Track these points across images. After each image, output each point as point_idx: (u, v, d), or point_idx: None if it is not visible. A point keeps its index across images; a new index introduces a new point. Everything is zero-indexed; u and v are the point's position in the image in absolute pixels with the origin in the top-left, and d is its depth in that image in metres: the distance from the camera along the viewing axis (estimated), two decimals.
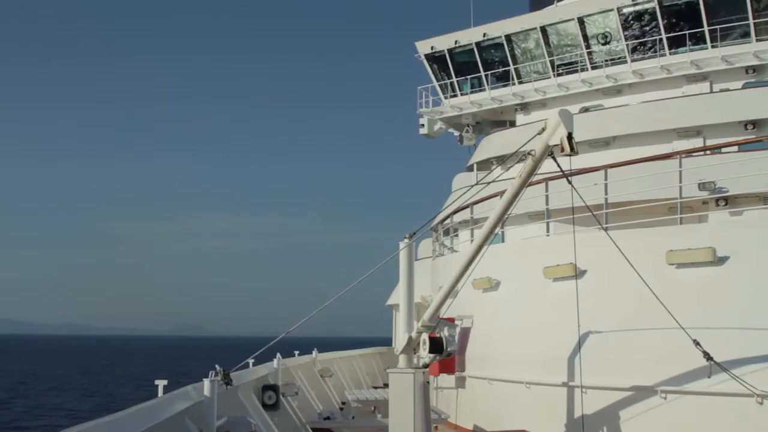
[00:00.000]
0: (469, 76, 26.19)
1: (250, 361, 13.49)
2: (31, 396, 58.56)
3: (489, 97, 25.77)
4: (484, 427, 15.62)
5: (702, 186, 16.24)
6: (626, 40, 22.63)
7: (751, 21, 20.94)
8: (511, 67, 24.97)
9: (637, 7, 22.36)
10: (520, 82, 25.00)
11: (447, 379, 17.24)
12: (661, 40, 22.05)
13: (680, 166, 13.76)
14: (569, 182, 10.77)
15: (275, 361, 15.42)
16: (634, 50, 22.65)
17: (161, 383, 8.99)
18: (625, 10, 22.57)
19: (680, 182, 13.72)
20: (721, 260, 12.36)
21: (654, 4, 21.87)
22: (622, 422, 12.78)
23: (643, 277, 11.38)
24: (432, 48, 26.47)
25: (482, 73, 25.70)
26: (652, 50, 22.38)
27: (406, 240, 12.73)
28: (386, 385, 17.32)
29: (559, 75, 24.13)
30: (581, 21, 23.31)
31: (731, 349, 11.52)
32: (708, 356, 11.11)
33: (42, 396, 58.68)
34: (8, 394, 59.63)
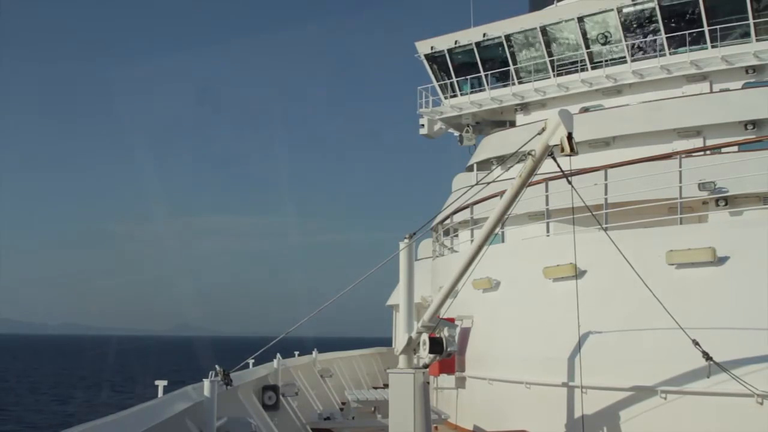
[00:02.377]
0: (468, 76, 26.20)
1: (250, 361, 13.50)
2: (64, 394, 59.04)
3: (489, 97, 25.77)
4: (484, 427, 15.62)
5: (702, 186, 16.24)
6: (626, 40, 22.63)
7: (751, 21, 20.94)
8: (511, 67, 24.97)
9: (637, 7, 22.37)
10: (520, 82, 25.00)
11: (447, 379, 17.24)
12: (661, 40, 22.06)
13: (680, 166, 13.77)
14: (569, 182, 10.77)
15: (275, 361, 15.43)
16: (633, 50, 22.66)
17: (161, 383, 8.99)
18: (625, 10, 22.57)
19: (680, 182, 13.72)
20: (721, 260, 12.36)
21: (654, 4, 21.88)
22: (622, 422, 12.78)
23: (643, 277, 11.37)
24: (432, 48, 26.48)
25: (482, 73, 25.70)
26: (652, 50, 22.38)
27: (406, 240, 12.74)
28: (386, 386, 17.32)
29: (559, 75, 24.13)
30: (581, 21, 23.31)
31: (731, 349, 11.52)
32: (708, 356, 11.11)
33: (76, 394, 59.05)
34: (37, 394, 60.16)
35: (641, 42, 22.60)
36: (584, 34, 23.39)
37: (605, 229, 12.26)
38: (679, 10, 21.81)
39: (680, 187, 13.69)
